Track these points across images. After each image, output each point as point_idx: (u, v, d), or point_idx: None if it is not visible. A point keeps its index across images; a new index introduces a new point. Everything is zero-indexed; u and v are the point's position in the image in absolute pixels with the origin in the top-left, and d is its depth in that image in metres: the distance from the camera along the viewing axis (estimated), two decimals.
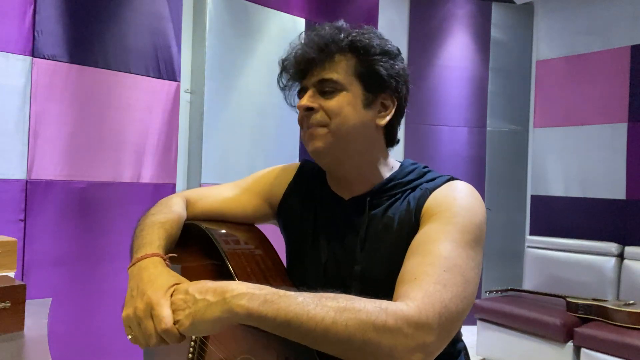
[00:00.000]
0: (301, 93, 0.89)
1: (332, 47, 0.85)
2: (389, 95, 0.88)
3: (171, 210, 0.92)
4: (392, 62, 0.87)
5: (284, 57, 0.91)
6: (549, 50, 4.04)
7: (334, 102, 0.84)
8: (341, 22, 0.90)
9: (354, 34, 0.86)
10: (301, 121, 0.89)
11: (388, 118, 0.88)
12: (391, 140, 0.93)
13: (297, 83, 0.91)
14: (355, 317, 0.61)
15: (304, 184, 0.99)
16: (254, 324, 0.63)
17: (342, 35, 0.86)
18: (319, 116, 0.85)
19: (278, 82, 0.93)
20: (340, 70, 0.85)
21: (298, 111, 0.89)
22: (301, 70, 0.87)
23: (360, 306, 0.62)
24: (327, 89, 0.85)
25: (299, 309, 0.62)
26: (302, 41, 0.89)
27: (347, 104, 0.84)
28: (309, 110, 0.85)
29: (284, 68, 0.91)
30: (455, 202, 0.79)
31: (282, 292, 0.64)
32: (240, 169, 3.04)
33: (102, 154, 2.52)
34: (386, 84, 0.86)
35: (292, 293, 0.64)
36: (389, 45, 0.88)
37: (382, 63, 0.86)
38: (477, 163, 4.16)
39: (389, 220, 0.85)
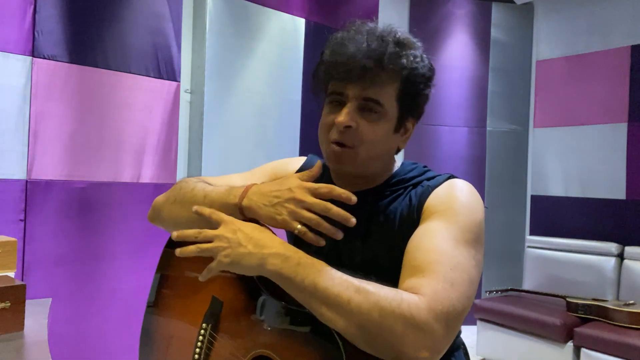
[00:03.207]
0: (336, 96, 0.83)
1: (389, 67, 0.79)
2: (414, 119, 0.88)
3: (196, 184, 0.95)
4: (429, 87, 0.85)
5: (332, 43, 0.83)
6: (549, 50, 4.05)
7: (372, 129, 0.81)
8: (394, 32, 0.83)
9: (413, 61, 0.81)
10: (329, 127, 0.84)
11: (407, 141, 0.89)
12: (399, 149, 0.94)
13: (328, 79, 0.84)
14: (375, 297, 0.65)
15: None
16: (279, 283, 0.69)
17: (403, 62, 0.80)
18: (353, 136, 0.81)
19: (317, 67, 0.86)
20: (387, 94, 0.81)
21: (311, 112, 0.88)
22: (348, 75, 0.79)
23: (380, 288, 0.66)
24: (371, 110, 0.81)
25: (326, 279, 0.66)
26: (356, 39, 0.81)
27: (382, 131, 0.82)
28: (347, 127, 0.81)
29: (330, 62, 0.82)
30: (457, 200, 0.80)
31: (315, 260, 0.69)
32: (240, 169, 3.02)
33: (102, 154, 2.52)
34: (419, 110, 0.86)
35: (323, 263, 0.69)
36: (430, 67, 0.85)
37: (423, 91, 0.84)
38: (477, 163, 4.16)
39: (391, 214, 0.85)
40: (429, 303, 0.65)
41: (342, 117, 0.80)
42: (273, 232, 0.97)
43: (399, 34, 0.83)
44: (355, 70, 0.79)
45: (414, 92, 0.84)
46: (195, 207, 0.79)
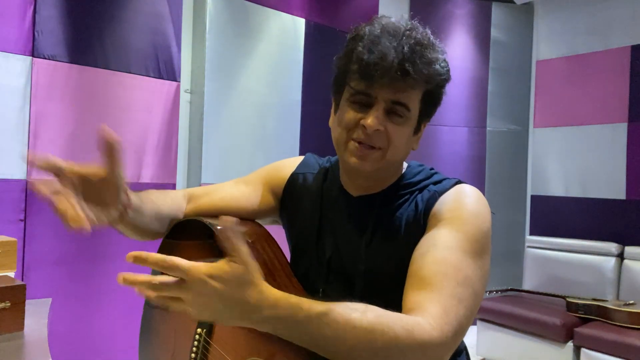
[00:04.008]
0: (362, 96, 0.79)
1: (420, 71, 0.77)
2: (427, 120, 0.87)
3: (166, 194, 0.93)
4: (445, 88, 0.84)
5: (361, 38, 0.79)
6: (549, 50, 4.05)
7: (399, 133, 0.80)
8: (425, 33, 0.80)
9: (442, 67, 0.80)
10: (352, 126, 0.80)
11: (419, 142, 0.88)
12: (413, 149, 0.93)
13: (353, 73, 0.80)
14: (382, 340, 0.61)
15: (308, 175, 0.99)
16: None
17: (436, 68, 0.79)
18: (381, 139, 0.79)
19: (342, 60, 0.83)
20: (413, 98, 0.79)
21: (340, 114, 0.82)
22: (380, 77, 0.76)
23: (388, 327, 0.62)
24: (398, 113, 0.79)
25: (324, 335, 0.61)
26: (389, 40, 0.77)
27: (406, 135, 0.81)
28: (376, 130, 0.78)
29: (361, 60, 0.77)
30: (464, 208, 0.79)
31: (312, 312, 0.61)
32: (240, 169, 3.04)
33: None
34: (434, 112, 0.85)
35: (322, 313, 0.61)
36: (449, 70, 0.83)
37: (442, 94, 0.83)
38: (477, 163, 4.16)
39: (397, 221, 0.84)
40: (440, 327, 0.65)
41: (372, 121, 0.77)
42: (275, 243, 0.95)
43: (429, 34, 0.81)
44: (388, 73, 0.75)
45: (437, 96, 0.83)
46: (132, 255, 0.56)
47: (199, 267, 0.57)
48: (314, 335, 0.61)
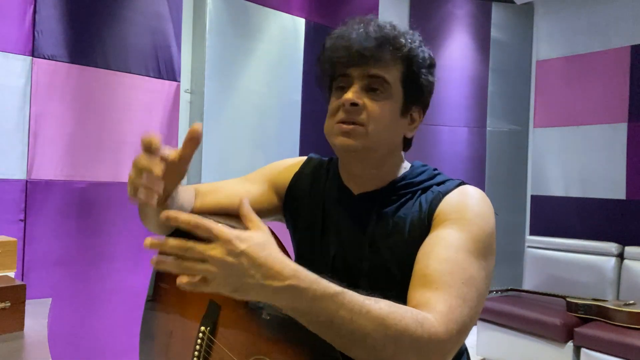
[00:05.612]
0: (342, 80, 0.85)
1: (390, 48, 0.82)
2: (419, 108, 0.89)
3: (184, 188, 0.93)
4: (431, 75, 0.87)
5: (332, 35, 0.86)
6: (549, 50, 4.05)
7: (379, 107, 0.82)
8: (392, 22, 0.87)
9: (412, 43, 0.85)
10: (336, 111, 0.84)
11: (415, 131, 0.90)
12: (408, 145, 0.94)
13: (333, 66, 0.86)
14: (395, 328, 0.62)
15: (311, 175, 0.99)
16: (294, 316, 0.64)
17: (402, 41, 0.83)
18: (362, 115, 0.81)
19: (319, 59, 0.88)
20: (392, 74, 0.83)
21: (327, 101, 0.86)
22: (351, 56, 0.81)
23: (401, 316, 0.63)
24: (376, 87, 0.82)
25: (342, 315, 0.61)
26: (355, 28, 0.84)
27: (389, 112, 0.83)
28: (354, 105, 0.81)
29: (332, 49, 0.84)
30: (469, 209, 0.79)
31: (330, 290, 0.62)
32: (240, 169, 3.04)
33: (102, 154, 2.52)
34: (423, 97, 0.87)
35: (339, 292, 0.62)
36: (430, 55, 0.88)
37: (425, 76, 0.86)
38: (477, 163, 4.16)
39: (400, 220, 0.84)
40: (446, 324, 0.65)
41: (349, 94, 0.81)
42: (279, 240, 0.96)
43: (397, 24, 0.86)
44: (357, 52, 0.81)
45: (416, 74, 0.85)
46: (165, 213, 0.59)
47: (227, 229, 0.59)
48: (331, 313, 0.61)
